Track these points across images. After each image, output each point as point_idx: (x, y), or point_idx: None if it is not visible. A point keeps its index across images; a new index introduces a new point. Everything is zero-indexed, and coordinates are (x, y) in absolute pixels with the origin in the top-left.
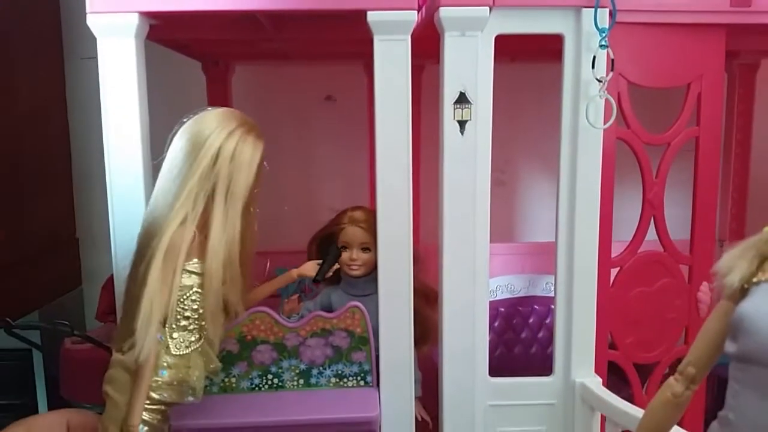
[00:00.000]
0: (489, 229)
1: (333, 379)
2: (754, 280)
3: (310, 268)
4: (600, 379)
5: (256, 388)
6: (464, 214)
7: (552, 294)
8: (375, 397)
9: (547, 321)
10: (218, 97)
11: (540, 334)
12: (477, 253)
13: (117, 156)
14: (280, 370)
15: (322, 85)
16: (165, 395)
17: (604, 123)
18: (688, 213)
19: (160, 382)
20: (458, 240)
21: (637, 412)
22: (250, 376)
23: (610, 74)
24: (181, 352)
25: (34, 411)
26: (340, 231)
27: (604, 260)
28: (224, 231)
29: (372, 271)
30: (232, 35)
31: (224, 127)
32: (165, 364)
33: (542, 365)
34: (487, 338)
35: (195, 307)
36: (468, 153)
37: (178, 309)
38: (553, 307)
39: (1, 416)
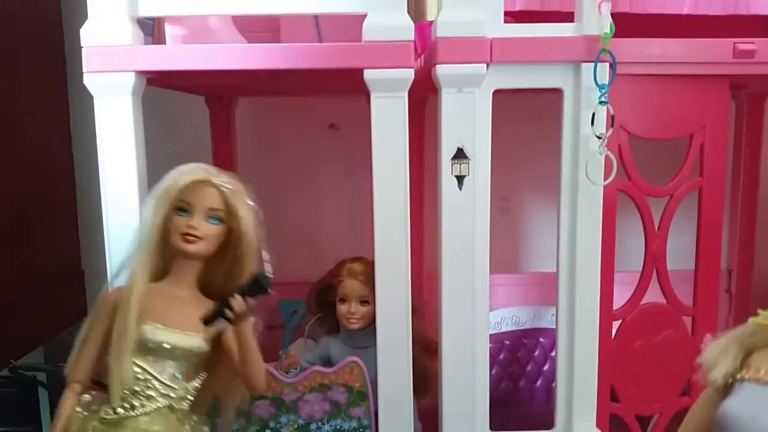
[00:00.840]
0: (488, 287)
1: None
2: (738, 376)
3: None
4: None
5: None
6: (463, 269)
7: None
8: None
9: (553, 354)
10: (222, 129)
11: (545, 367)
12: (477, 307)
13: (115, 212)
14: (278, 425)
15: (325, 113)
16: None
17: (605, 179)
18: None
19: None
20: (457, 292)
21: None
22: (248, 431)
23: (610, 130)
24: (111, 418)
25: None
26: (338, 283)
27: (606, 313)
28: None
29: (371, 324)
30: (231, 81)
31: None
32: (90, 429)
33: (547, 399)
34: (488, 391)
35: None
36: (466, 208)
37: None
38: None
39: None
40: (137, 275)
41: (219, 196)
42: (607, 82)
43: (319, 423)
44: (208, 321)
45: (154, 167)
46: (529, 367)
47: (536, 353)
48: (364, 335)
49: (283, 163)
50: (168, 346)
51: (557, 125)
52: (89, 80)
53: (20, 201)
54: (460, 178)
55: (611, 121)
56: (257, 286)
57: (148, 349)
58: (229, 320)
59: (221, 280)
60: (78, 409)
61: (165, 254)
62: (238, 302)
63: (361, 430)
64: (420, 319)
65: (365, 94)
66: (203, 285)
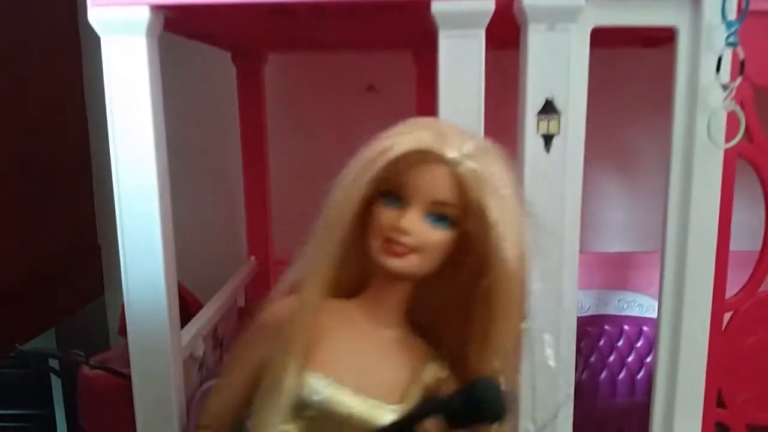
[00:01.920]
0: (577, 270)
1: None
2: None
3: None
4: None
5: None
6: (550, 247)
7: (625, 313)
8: None
9: (619, 344)
10: (250, 91)
11: (611, 358)
12: (563, 298)
13: (127, 178)
14: None
15: (363, 74)
16: None
17: (728, 140)
18: None
19: None
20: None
21: None
22: None
23: (738, 79)
24: None
25: (53, 423)
26: None
27: (718, 302)
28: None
29: None
30: (263, 26)
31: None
32: None
33: (611, 393)
34: (573, 383)
35: None
36: (555, 175)
37: None
38: (626, 327)
39: (20, 427)
40: (309, 293)
41: (453, 181)
42: (736, 18)
43: None
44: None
45: (172, 135)
46: (593, 358)
47: (601, 343)
48: None
49: (317, 128)
50: (344, 415)
51: (625, 88)
52: (95, 16)
53: (30, 170)
54: (547, 138)
55: (740, 68)
56: (476, 411)
57: (307, 413)
58: None
59: (447, 310)
60: None
61: (358, 258)
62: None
63: None
64: None
65: (411, 47)
66: (415, 312)
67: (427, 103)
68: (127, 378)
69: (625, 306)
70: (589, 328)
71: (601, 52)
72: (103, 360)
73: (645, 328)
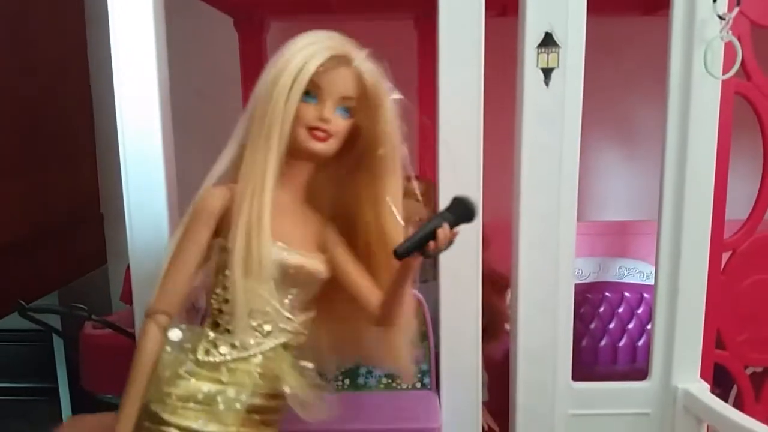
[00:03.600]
0: (576, 202)
1: (384, 380)
2: None
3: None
4: (707, 386)
5: None
6: (548, 184)
7: (625, 280)
8: (435, 404)
9: (620, 310)
10: (252, 57)
11: (611, 325)
12: (562, 232)
13: (131, 125)
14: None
15: (364, 42)
16: (175, 416)
17: (724, 72)
18: None
19: (169, 395)
20: (539, 215)
21: (760, 428)
22: None
23: (736, 10)
24: (212, 359)
25: (56, 396)
26: None
27: (716, 242)
28: (250, 179)
29: None
30: None
31: (289, 50)
32: (182, 372)
33: (611, 359)
34: (571, 334)
35: (228, 297)
36: (554, 108)
37: (212, 300)
38: (627, 294)
39: (23, 400)
40: (267, 178)
41: (355, 80)
42: None
43: (370, 367)
44: (403, 254)
45: (173, 103)
46: (593, 325)
47: (601, 309)
48: (423, 266)
49: None
50: (293, 271)
51: (627, 54)
52: None
53: (34, 134)
54: (547, 72)
55: (736, 0)
56: (465, 213)
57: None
58: (426, 255)
59: (331, 192)
60: (167, 348)
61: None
62: (445, 234)
63: (419, 375)
64: (486, 249)
65: (412, 12)
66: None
67: (428, 71)
68: (132, 336)
69: (626, 273)
70: (589, 295)
71: (600, 19)
72: None
73: (645, 295)
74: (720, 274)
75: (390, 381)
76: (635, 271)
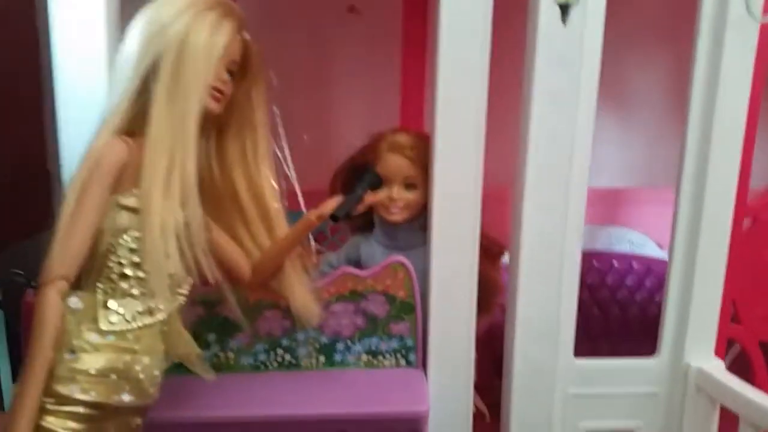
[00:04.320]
0: (589, 162)
1: (364, 357)
2: None
3: (331, 203)
4: (722, 363)
5: (262, 367)
6: (559, 140)
7: (615, 250)
8: (422, 384)
9: (609, 281)
10: None
11: (602, 295)
12: (572, 193)
13: (71, 84)
14: (293, 344)
15: None
16: (87, 394)
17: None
18: None
19: (78, 371)
20: (548, 174)
21: None
22: (253, 351)
23: None
24: (118, 328)
25: None
26: (375, 160)
27: (739, 207)
28: (167, 135)
29: (418, 217)
30: None
31: (179, 7)
32: (86, 345)
33: (604, 332)
34: (575, 315)
35: (137, 260)
36: (571, 50)
37: (111, 263)
38: (615, 264)
39: None
40: (190, 132)
41: (242, 46)
42: None
43: (348, 342)
44: (338, 216)
45: None
46: (583, 296)
47: (589, 281)
48: (408, 232)
49: (293, 52)
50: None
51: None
52: None
53: None
54: (564, 8)
55: None
56: (377, 181)
57: None
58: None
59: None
60: (68, 316)
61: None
62: (367, 198)
63: (403, 351)
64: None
65: None
66: None
67: (414, 26)
68: None
69: (615, 242)
70: None
71: None
72: None
73: (635, 265)
74: (741, 242)
75: (371, 358)
76: (624, 240)
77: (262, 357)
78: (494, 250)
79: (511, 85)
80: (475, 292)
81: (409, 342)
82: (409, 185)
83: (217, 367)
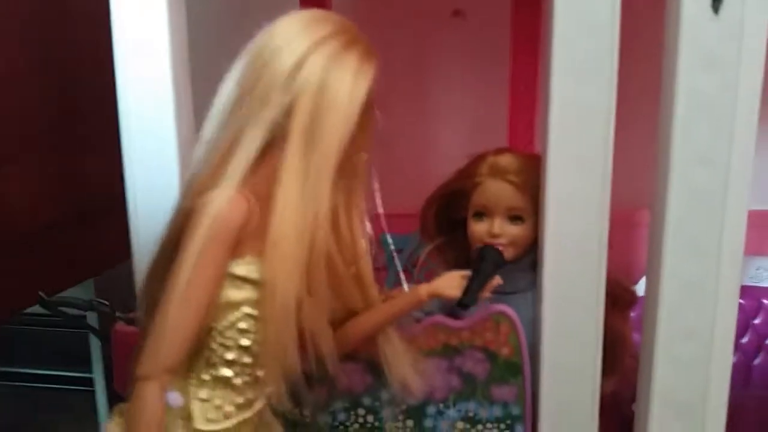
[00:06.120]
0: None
1: (460, 424)
2: None
3: (450, 283)
4: None
5: (341, 427)
6: (711, 155)
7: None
8: None
9: (756, 321)
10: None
11: (744, 340)
12: (726, 225)
13: (137, 109)
14: (376, 404)
15: None
16: None
17: None
18: None
19: None
20: (697, 201)
21: None
22: (331, 410)
23: None
24: (216, 427)
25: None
26: (474, 187)
27: None
28: (302, 202)
29: (525, 255)
30: None
31: (307, 36)
32: None
33: (743, 384)
34: (729, 380)
35: (245, 343)
36: (726, 48)
37: (215, 345)
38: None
39: (65, 390)
40: (326, 198)
41: None
42: None
43: (441, 406)
44: (469, 305)
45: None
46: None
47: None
48: (515, 273)
49: (392, 60)
50: None
51: None
52: None
53: (67, 109)
54: None
55: None
56: (501, 260)
57: None
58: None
59: None
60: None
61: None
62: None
63: (508, 422)
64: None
65: None
66: None
67: (524, 31)
68: None
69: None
70: None
71: None
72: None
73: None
74: None
75: (469, 426)
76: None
77: (341, 417)
78: (624, 299)
79: (645, 92)
80: (600, 349)
81: (515, 410)
82: (514, 217)
83: (289, 426)
